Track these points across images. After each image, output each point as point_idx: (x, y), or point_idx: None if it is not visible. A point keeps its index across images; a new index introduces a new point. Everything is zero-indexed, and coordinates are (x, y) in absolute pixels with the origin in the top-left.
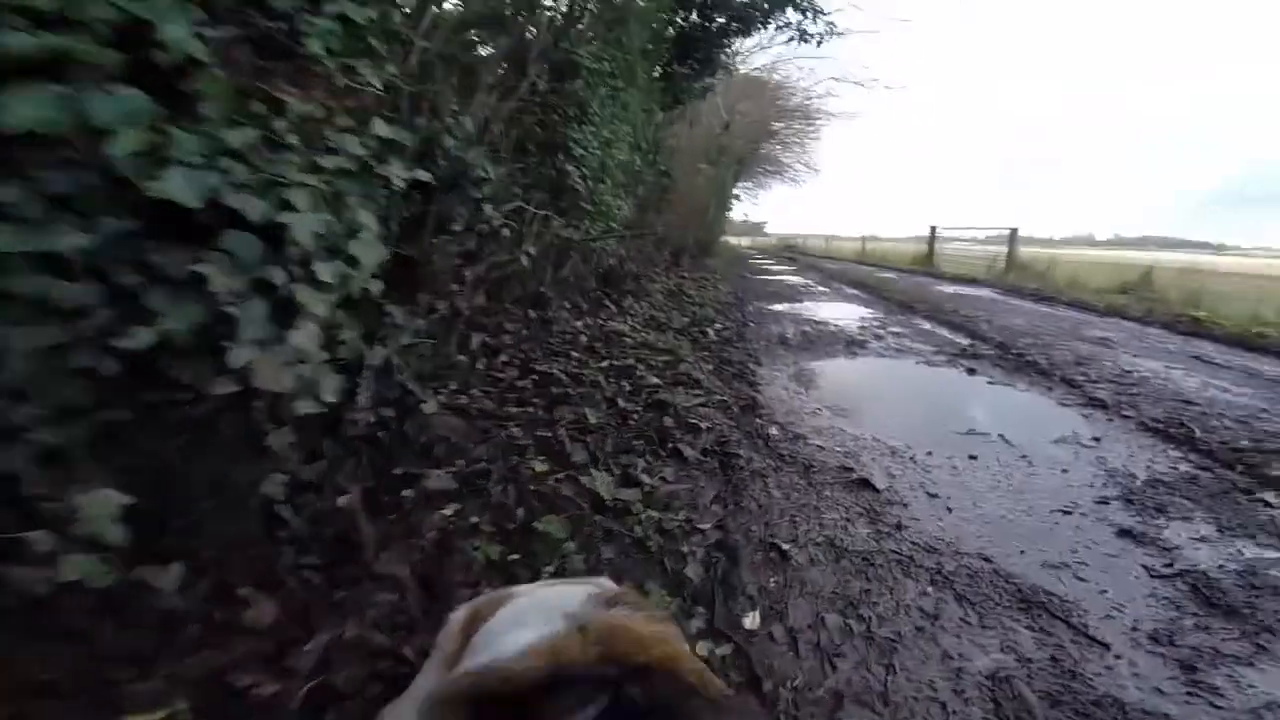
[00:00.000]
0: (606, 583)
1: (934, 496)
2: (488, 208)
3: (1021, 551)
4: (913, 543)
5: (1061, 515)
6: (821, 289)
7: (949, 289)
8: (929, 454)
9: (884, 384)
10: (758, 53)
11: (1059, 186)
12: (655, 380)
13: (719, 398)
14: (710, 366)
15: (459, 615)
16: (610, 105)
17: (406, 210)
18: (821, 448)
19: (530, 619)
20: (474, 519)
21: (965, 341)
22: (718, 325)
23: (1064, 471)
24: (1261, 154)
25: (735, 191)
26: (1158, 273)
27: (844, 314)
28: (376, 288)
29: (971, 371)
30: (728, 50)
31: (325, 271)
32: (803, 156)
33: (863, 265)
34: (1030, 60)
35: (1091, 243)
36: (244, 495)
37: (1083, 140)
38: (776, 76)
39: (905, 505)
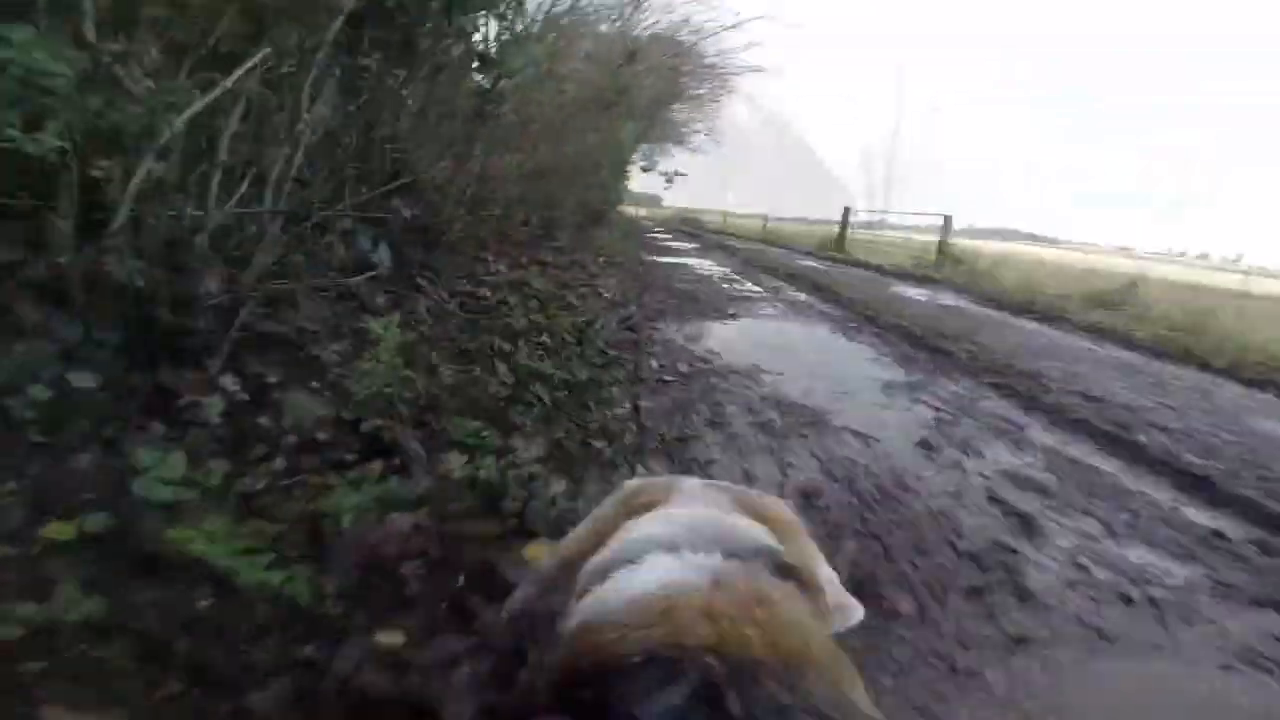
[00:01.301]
0: (785, 515)
1: None
2: None
3: None
4: None
5: None
6: (755, 289)
7: (912, 292)
8: None
9: None
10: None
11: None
12: None
13: None
14: None
15: (628, 488)
16: None
17: None
18: None
19: (680, 544)
20: None
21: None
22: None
23: None
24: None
25: (636, 157)
26: (1144, 283)
27: (849, 380)
28: None
29: None
30: None
31: None
32: (711, 123)
33: (772, 247)
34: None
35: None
36: None
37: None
38: (685, 35)
39: None
